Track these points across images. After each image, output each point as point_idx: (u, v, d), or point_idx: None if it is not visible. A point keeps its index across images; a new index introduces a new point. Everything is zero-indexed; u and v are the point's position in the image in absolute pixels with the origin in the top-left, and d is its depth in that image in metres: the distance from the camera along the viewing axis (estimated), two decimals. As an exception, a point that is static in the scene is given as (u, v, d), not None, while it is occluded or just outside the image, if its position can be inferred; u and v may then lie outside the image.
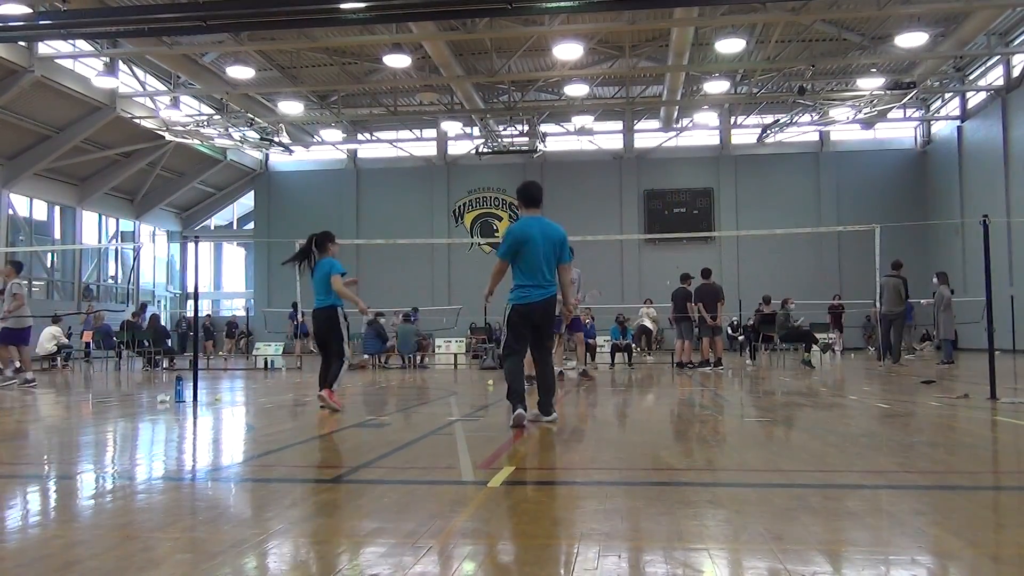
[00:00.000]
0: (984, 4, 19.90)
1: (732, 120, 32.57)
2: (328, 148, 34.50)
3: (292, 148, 30.61)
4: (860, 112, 27.40)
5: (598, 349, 19.60)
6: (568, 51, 22.62)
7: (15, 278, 12.82)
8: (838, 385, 11.67)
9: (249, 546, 2.94)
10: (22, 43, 21.59)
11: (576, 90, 27.27)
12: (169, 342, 20.60)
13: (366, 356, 18.98)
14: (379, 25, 20.63)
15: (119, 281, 33.06)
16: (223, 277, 38.82)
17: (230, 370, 18.99)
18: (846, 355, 22.91)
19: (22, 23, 16.27)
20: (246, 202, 37.05)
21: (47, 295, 28.47)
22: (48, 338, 18.91)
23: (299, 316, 20.23)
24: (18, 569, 2.71)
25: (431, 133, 34.20)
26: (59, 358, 19.19)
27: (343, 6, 14.43)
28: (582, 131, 33.03)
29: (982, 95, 27.73)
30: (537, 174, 33.16)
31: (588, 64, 26.00)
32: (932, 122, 31.67)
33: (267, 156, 34.92)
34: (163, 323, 23.77)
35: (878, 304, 16.43)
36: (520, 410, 6.29)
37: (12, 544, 3.09)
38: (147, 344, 19.07)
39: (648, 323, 21.90)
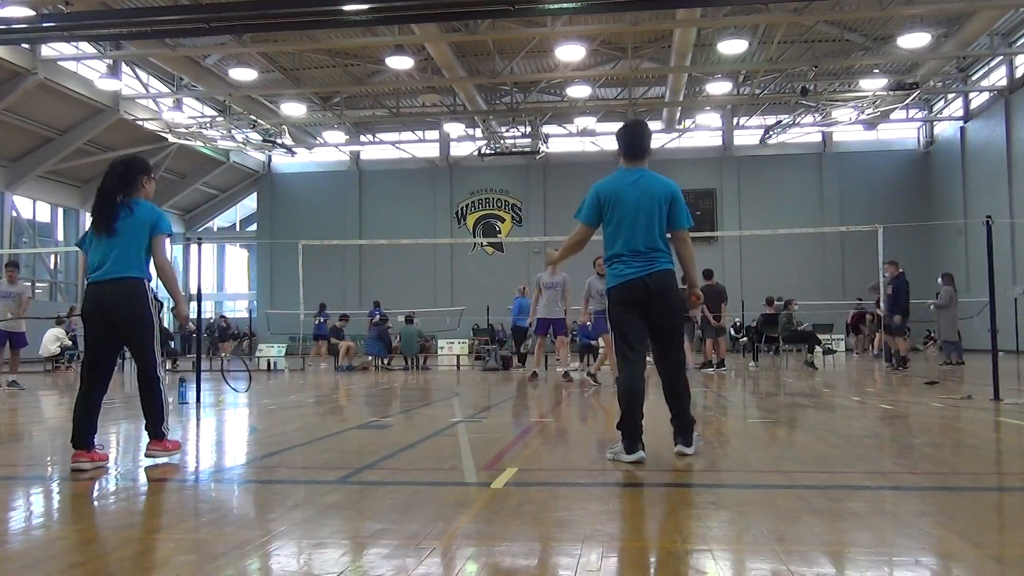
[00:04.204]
0: (987, 4, 19.88)
1: (735, 121, 32.57)
2: (331, 150, 34.56)
3: (295, 150, 30.66)
4: (863, 113, 27.40)
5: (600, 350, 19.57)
6: (570, 52, 22.64)
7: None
8: (841, 386, 11.65)
9: (252, 547, 2.95)
10: (25, 45, 21.65)
11: (578, 91, 27.28)
12: (172, 343, 20.62)
13: (369, 358, 18.99)
14: (381, 27, 20.66)
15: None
16: (226, 279, 38.87)
17: (232, 372, 18.99)
18: (849, 356, 22.87)
19: (25, 25, 16.32)
20: (249, 204, 37.12)
21: (50, 297, 28.55)
22: (51, 340, 18.94)
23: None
24: (22, 570, 2.72)
25: (433, 134, 34.25)
26: (63, 359, 19.22)
27: (346, 8, 14.46)
28: (584, 132, 33.03)
29: (985, 96, 27.71)
30: (539, 175, 33.23)
31: (590, 65, 26.01)
32: (935, 123, 31.66)
33: (270, 158, 34.99)
34: (166, 325, 23.76)
35: (882, 304, 16.38)
36: (640, 453, 4.55)
37: (16, 545, 3.10)
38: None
39: None
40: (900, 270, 15.26)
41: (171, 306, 5.38)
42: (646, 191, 4.85)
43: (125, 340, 4.93)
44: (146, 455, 4.92)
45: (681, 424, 4.79)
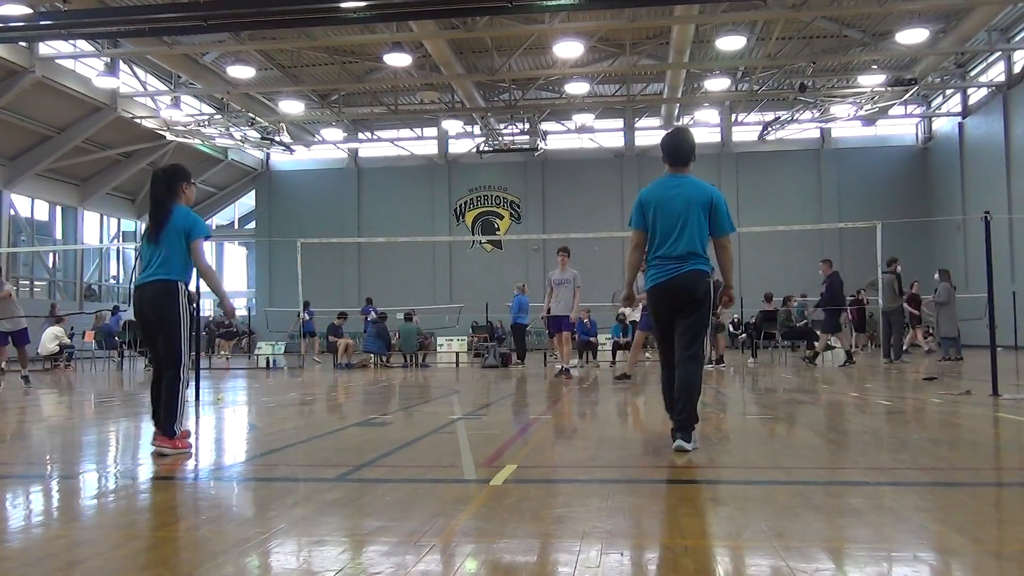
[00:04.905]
0: (985, 0, 19.87)
1: (733, 117, 32.55)
2: (329, 147, 34.52)
3: (293, 147, 30.62)
4: (861, 109, 27.38)
5: (599, 347, 19.61)
6: (568, 49, 22.61)
7: None
8: (840, 382, 11.66)
9: (252, 545, 2.95)
10: (23, 43, 21.61)
11: (577, 88, 27.26)
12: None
13: (365, 355, 19.00)
14: (379, 24, 20.62)
15: (120, 281, 33.11)
16: (224, 277, 38.85)
17: (232, 370, 19.01)
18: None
19: (23, 23, 16.27)
20: (247, 202, 37.09)
21: (49, 296, 28.49)
22: (50, 338, 18.92)
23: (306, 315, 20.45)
24: (22, 568, 2.72)
25: (432, 132, 34.22)
26: (61, 358, 19.21)
27: (343, 5, 14.41)
28: (583, 129, 33.02)
29: (983, 91, 27.71)
30: (538, 172, 33.21)
31: (589, 62, 25.99)
32: (933, 118, 31.66)
33: (268, 155, 34.95)
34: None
35: (880, 301, 16.42)
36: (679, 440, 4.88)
37: (16, 544, 3.10)
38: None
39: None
40: (834, 269, 15.47)
41: (217, 303, 5.84)
42: (685, 198, 5.04)
43: (157, 337, 5.21)
44: (153, 446, 5.11)
45: (683, 419, 4.85)
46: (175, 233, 5.17)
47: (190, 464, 4.92)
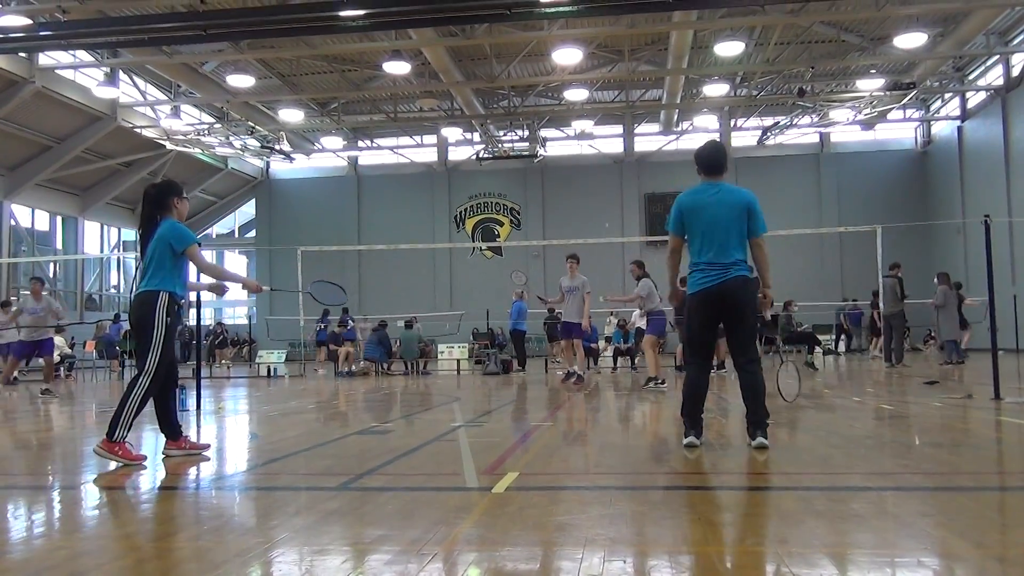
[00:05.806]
0: (983, 4, 19.93)
1: (732, 122, 32.61)
2: (329, 155, 34.59)
3: (293, 156, 30.69)
4: (860, 113, 27.44)
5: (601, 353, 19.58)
6: (567, 56, 22.67)
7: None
8: (841, 387, 11.65)
9: (254, 555, 2.94)
10: (23, 54, 21.67)
11: (576, 94, 27.31)
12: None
13: (366, 362, 18.99)
14: (378, 32, 20.68)
15: (121, 291, 33.11)
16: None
17: (233, 378, 19.00)
18: (850, 356, 22.86)
19: (23, 34, 16.33)
20: (247, 210, 37.14)
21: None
22: (51, 348, 18.91)
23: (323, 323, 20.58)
24: (23, 580, 2.71)
25: (431, 139, 34.29)
26: (62, 368, 19.21)
27: (342, 14, 14.47)
28: (582, 135, 33.08)
29: (982, 95, 27.76)
30: (538, 179, 33.25)
31: (588, 68, 26.05)
32: (932, 122, 31.71)
33: (268, 164, 35.02)
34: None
35: (881, 305, 16.42)
36: (692, 438, 5.22)
37: (17, 555, 3.09)
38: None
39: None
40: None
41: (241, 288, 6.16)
42: (723, 204, 5.27)
43: (137, 339, 5.40)
44: (163, 453, 5.39)
45: (755, 419, 5.18)
46: (159, 243, 5.34)
47: (191, 473, 4.92)
